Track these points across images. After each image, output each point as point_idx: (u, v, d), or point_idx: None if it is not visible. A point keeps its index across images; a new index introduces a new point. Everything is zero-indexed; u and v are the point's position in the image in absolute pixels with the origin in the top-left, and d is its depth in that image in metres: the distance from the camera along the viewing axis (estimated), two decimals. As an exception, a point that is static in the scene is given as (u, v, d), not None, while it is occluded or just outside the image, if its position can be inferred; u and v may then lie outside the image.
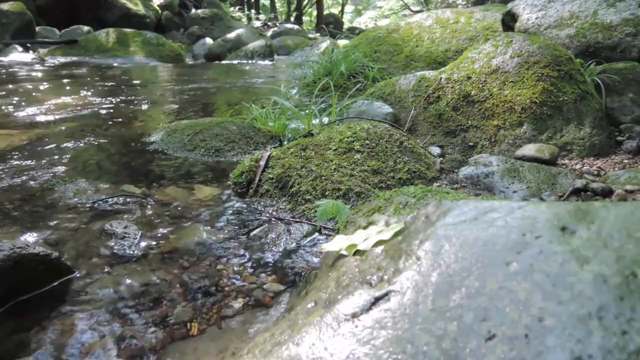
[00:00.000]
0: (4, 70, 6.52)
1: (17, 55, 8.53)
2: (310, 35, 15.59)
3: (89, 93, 4.73)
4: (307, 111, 2.75)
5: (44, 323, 1.17)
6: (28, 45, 9.43)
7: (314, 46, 9.43)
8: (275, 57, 9.99)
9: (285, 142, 2.73)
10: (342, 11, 31.88)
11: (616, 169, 2.25)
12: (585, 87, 2.68)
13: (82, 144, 2.78)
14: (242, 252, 1.55)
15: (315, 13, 28.29)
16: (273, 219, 1.79)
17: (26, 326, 1.16)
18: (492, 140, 2.57)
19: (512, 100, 2.60)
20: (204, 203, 1.95)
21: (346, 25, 27.03)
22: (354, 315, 0.70)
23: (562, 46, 3.09)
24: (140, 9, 13.81)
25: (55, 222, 1.72)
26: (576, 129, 2.52)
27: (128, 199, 1.95)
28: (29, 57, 8.48)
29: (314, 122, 2.73)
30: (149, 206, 1.89)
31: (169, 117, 3.72)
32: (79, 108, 3.88)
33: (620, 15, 3.16)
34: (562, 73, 2.63)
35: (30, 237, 1.59)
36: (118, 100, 4.34)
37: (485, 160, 2.19)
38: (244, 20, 20.86)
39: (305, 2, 28.99)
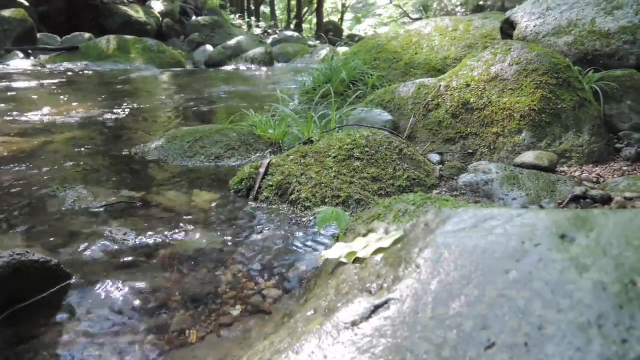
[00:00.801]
0: (4, 77, 6.54)
1: (19, 62, 8.56)
2: (310, 43, 15.66)
3: (90, 100, 4.74)
4: (307, 118, 2.76)
5: (42, 330, 1.16)
6: (29, 51, 9.47)
7: (314, 54, 9.48)
8: (275, 64, 10.03)
9: (285, 150, 2.74)
10: (341, 19, 32.05)
11: (615, 176, 2.26)
12: (584, 95, 2.69)
13: (82, 151, 2.78)
14: (241, 258, 1.55)
15: (315, 21, 28.44)
16: (272, 225, 1.79)
17: (25, 333, 1.15)
18: (492, 147, 2.58)
19: (511, 108, 2.61)
20: (203, 210, 1.95)
21: (346, 33, 27.16)
22: (354, 324, 0.70)
23: (561, 54, 3.11)
24: (141, 16, 13.89)
25: (55, 228, 1.72)
26: (575, 137, 2.53)
27: (128, 206, 1.95)
28: (30, 63, 8.50)
29: (313, 129, 2.74)
30: (149, 213, 1.89)
31: (169, 124, 3.73)
32: (79, 115, 3.89)
33: (618, 23, 3.18)
34: (560, 81, 2.65)
35: (30, 244, 1.59)
36: (118, 107, 4.36)
37: (485, 167, 2.19)
38: (244, 27, 20.96)
39: (305, 10, 29.16)
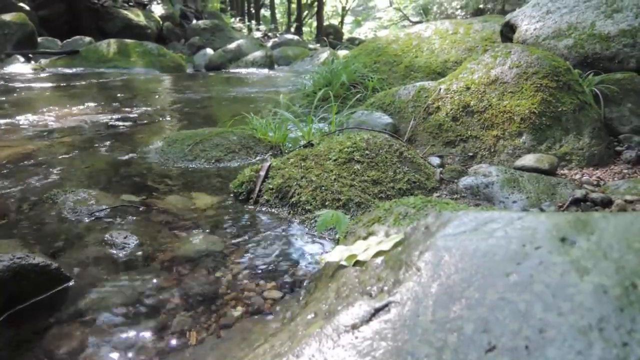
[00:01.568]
0: (5, 81, 6.55)
1: (19, 66, 8.58)
2: (310, 46, 15.71)
3: (90, 103, 4.75)
4: (307, 121, 2.76)
5: (41, 331, 1.16)
6: (30, 55, 9.49)
7: (314, 57, 9.50)
8: (276, 67, 10.05)
9: (285, 152, 2.74)
10: (341, 22, 32.14)
11: (615, 179, 2.26)
12: (584, 98, 2.69)
13: (82, 154, 2.78)
14: (241, 260, 1.55)
15: (315, 24, 28.51)
16: (273, 228, 1.79)
17: (24, 335, 1.15)
18: (492, 150, 2.58)
19: (511, 111, 2.61)
20: (203, 212, 1.95)
21: (346, 36, 27.23)
22: (354, 327, 0.69)
23: (561, 57, 3.11)
24: (141, 19, 13.94)
25: (55, 231, 1.72)
26: (575, 139, 2.53)
27: (128, 209, 1.95)
28: (30, 67, 8.52)
29: (314, 132, 2.74)
30: (149, 216, 1.89)
31: (169, 127, 3.73)
32: (79, 118, 3.89)
33: (618, 27, 3.18)
34: (560, 83, 2.65)
35: (30, 247, 1.59)
36: (119, 110, 4.36)
37: (485, 170, 2.19)
38: (245, 31, 21.01)
39: (305, 13, 29.24)
